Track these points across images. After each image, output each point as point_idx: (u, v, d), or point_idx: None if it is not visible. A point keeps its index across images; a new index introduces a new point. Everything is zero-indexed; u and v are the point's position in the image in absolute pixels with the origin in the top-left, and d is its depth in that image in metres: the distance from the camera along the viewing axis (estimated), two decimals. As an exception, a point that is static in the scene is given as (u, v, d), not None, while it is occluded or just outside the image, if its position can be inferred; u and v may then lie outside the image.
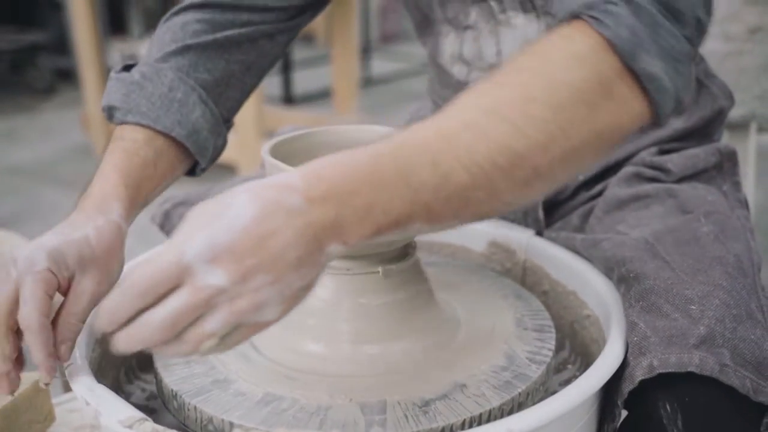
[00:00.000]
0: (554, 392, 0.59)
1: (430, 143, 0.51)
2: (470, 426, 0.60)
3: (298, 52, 4.12)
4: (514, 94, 0.53)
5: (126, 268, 0.70)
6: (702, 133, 0.91)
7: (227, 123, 0.85)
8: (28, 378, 0.69)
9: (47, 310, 0.60)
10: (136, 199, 0.72)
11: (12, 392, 0.63)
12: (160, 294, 0.47)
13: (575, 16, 0.55)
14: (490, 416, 0.61)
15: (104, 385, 0.61)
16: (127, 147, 0.74)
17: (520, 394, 0.63)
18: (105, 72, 3.24)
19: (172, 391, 0.63)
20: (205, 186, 1.03)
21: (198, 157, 0.79)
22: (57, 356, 0.62)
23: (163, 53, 0.79)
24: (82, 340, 0.67)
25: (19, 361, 0.63)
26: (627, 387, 0.61)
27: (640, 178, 0.85)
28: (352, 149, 0.51)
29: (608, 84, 0.54)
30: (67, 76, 4.51)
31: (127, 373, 0.79)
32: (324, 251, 0.49)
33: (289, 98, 4.02)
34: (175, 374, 0.65)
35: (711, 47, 1.11)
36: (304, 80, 4.17)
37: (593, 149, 0.55)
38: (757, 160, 1.30)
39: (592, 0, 0.55)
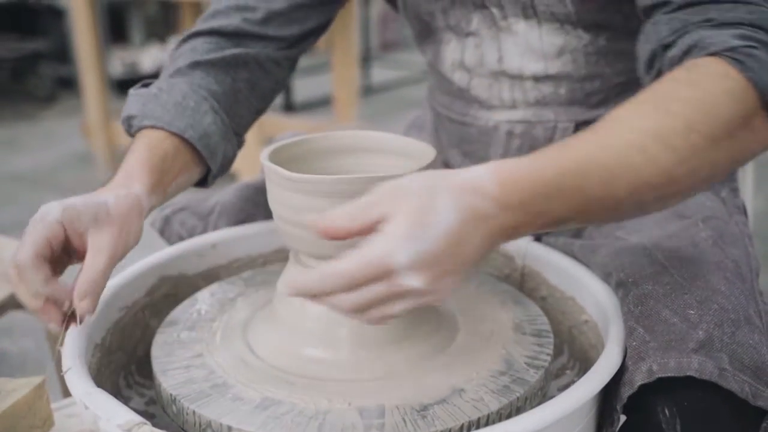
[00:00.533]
0: (553, 397, 0.59)
1: (606, 163, 0.57)
2: (468, 430, 0.60)
3: (299, 60, 4.11)
4: (678, 123, 0.58)
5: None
6: None
7: (237, 136, 0.88)
8: (26, 383, 0.69)
9: (44, 252, 0.65)
10: (157, 185, 0.76)
11: (59, 326, 0.67)
12: (358, 285, 0.52)
13: (713, 54, 0.61)
14: (489, 421, 0.61)
15: (103, 390, 0.61)
16: (148, 142, 0.78)
17: (518, 398, 0.63)
18: (105, 80, 3.25)
19: (170, 395, 0.63)
20: (206, 193, 1.03)
21: (209, 161, 0.83)
22: (80, 310, 0.66)
23: (176, 69, 0.85)
24: (81, 345, 0.67)
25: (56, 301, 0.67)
26: (626, 392, 0.61)
27: None
28: (537, 155, 0.56)
29: (749, 118, 0.60)
30: (68, 84, 4.52)
31: (126, 378, 0.79)
32: (496, 247, 0.58)
33: (289, 106, 4.03)
34: (174, 379, 0.65)
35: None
36: (304, 88, 4.18)
37: (727, 172, 0.63)
38: (757, 167, 1.30)
39: (733, 43, 0.60)
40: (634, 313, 0.67)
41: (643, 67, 0.70)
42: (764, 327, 0.67)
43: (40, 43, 4.63)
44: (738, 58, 0.60)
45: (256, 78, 0.89)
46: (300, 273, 0.55)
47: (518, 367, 0.67)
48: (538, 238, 0.91)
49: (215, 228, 0.93)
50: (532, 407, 0.63)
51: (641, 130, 0.58)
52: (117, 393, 0.76)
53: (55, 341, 0.70)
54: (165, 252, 0.86)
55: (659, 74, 0.67)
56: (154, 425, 0.56)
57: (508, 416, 0.62)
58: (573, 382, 0.73)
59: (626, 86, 0.87)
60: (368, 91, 4.80)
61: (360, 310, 0.54)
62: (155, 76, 0.88)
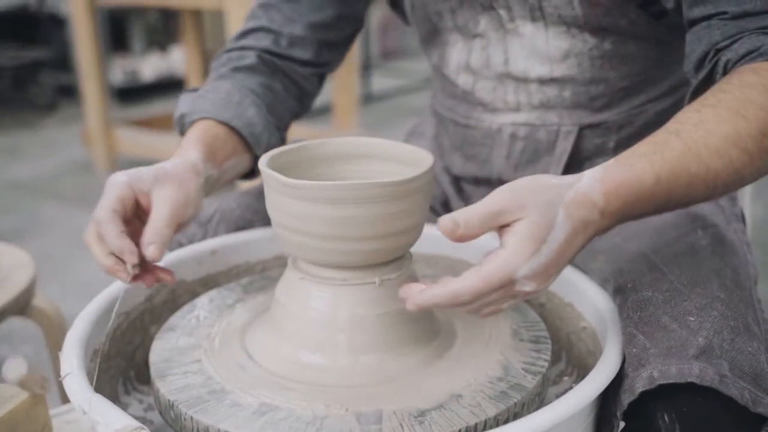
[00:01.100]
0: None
1: (689, 167, 0.62)
2: (466, 436, 0.60)
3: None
4: (753, 128, 0.63)
5: None
6: None
7: (279, 131, 0.94)
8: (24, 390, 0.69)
9: (118, 207, 0.70)
10: (211, 156, 0.82)
11: (127, 280, 0.70)
12: (481, 297, 0.58)
13: None
14: (486, 426, 0.61)
15: (101, 395, 0.61)
16: (200, 127, 0.85)
17: (515, 404, 0.63)
18: (106, 88, 3.26)
19: (168, 401, 0.64)
20: (205, 201, 1.03)
21: (254, 148, 0.89)
22: (146, 256, 0.70)
23: (219, 75, 0.93)
24: (79, 352, 0.67)
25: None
26: (627, 398, 0.61)
27: None
28: (637, 157, 0.61)
29: None
30: (69, 93, 4.53)
31: (124, 384, 0.79)
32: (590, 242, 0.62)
33: (289, 114, 4.03)
34: (172, 384, 0.65)
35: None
36: (304, 96, 4.18)
37: None
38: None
39: None
40: (633, 319, 0.67)
41: (693, 66, 0.73)
42: (762, 335, 0.67)
43: (41, 52, 4.65)
44: None
45: (288, 84, 0.96)
46: (422, 288, 0.58)
47: (516, 373, 0.67)
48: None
49: (215, 235, 0.93)
50: (529, 413, 0.63)
51: (721, 135, 0.62)
52: (116, 399, 0.76)
53: (54, 349, 0.70)
54: (164, 258, 0.85)
55: (712, 73, 0.70)
56: (153, 431, 0.56)
57: (506, 422, 0.62)
58: (571, 388, 0.73)
59: (630, 91, 0.88)
60: (368, 99, 4.82)
61: (474, 311, 0.60)
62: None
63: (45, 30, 4.77)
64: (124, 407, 0.75)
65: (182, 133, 0.89)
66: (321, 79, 1.02)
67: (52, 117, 4.44)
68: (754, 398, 0.60)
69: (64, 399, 0.99)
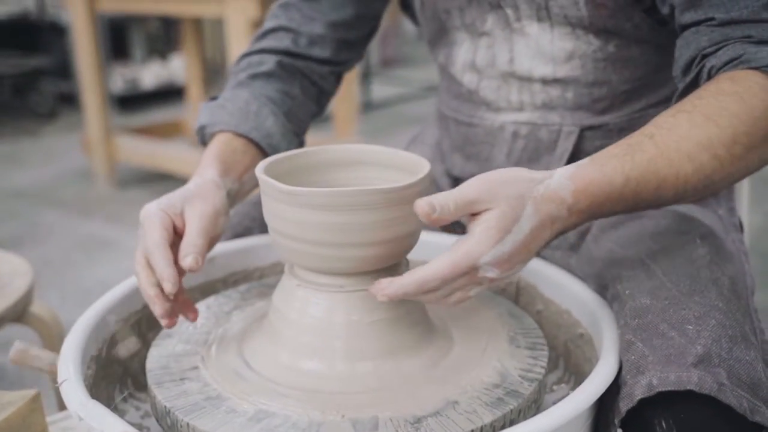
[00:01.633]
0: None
1: (660, 171, 0.64)
2: (462, 443, 0.60)
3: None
4: (725, 135, 0.65)
5: None
6: None
7: (297, 137, 0.96)
8: (21, 396, 0.69)
9: (164, 234, 0.72)
10: (229, 171, 0.84)
11: (170, 325, 0.71)
12: (448, 282, 0.61)
13: (754, 68, 0.68)
14: (482, 433, 0.61)
15: (98, 402, 0.61)
16: (220, 140, 0.88)
17: (512, 411, 0.63)
18: (106, 96, 3.26)
19: (165, 407, 0.64)
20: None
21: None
22: (181, 269, 0.71)
23: (237, 83, 0.94)
24: (77, 358, 0.68)
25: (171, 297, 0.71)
26: (625, 405, 0.61)
27: None
28: (608, 158, 0.64)
29: None
30: (69, 100, 4.54)
31: (122, 391, 0.79)
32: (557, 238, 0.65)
33: (289, 122, 4.04)
34: (168, 391, 0.65)
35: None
36: (304, 104, 4.19)
37: (755, 170, 0.69)
38: (757, 183, 1.30)
39: None
40: (631, 326, 0.67)
41: (680, 70, 0.75)
42: (759, 345, 0.67)
43: (42, 60, 4.66)
44: None
45: (306, 86, 0.98)
46: (389, 280, 0.61)
47: (512, 379, 0.67)
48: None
49: (213, 242, 0.93)
50: (525, 420, 0.63)
51: (693, 140, 0.65)
52: (112, 406, 0.76)
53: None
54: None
55: (696, 78, 0.73)
56: (148, 437, 0.56)
57: (502, 429, 0.62)
58: (568, 395, 0.73)
59: (631, 95, 0.88)
60: (368, 107, 4.83)
61: (442, 298, 0.63)
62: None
63: (45, 38, 4.78)
64: (121, 414, 0.75)
65: (203, 143, 0.91)
66: (339, 78, 1.04)
67: (53, 125, 4.45)
68: (751, 407, 0.60)
69: (62, 406, 0.99)
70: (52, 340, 1.19)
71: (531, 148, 0.90)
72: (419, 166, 0.69)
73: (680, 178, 0.65)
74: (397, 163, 0.74)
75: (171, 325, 0.71)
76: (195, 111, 3.46)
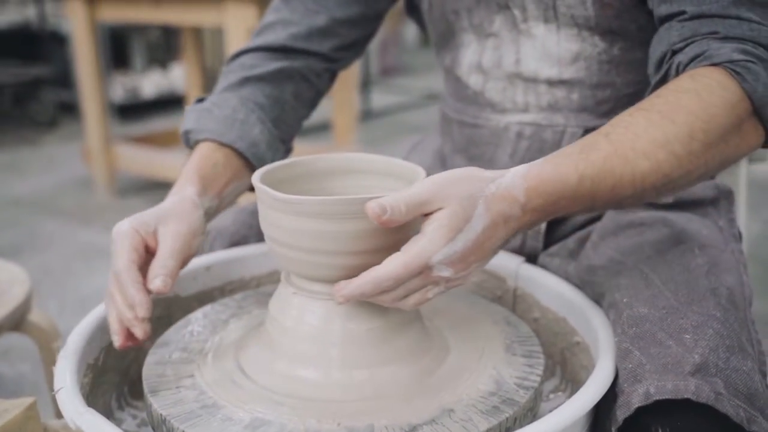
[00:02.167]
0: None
1: (615, 169, 0.64)
2: (457, 451, 0.60)
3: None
4: (681, 132, 0.65)
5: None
6: None
7: (285, 143, 0.96)
8: (18, 404, 0.69)
9: (133, 256, 0.71)
10: (208, 188, 0.83)
11: (138, 341, 0.70)
12: (402, 282, 0.61)
13: (715, 64, 0.68)
14: (478, 441, 0.61)
15: (94, 410, 0.61)
16: (202, 153, 0.87)
17: (507, 419, 0.63)
18: (106, 105, 3.27)
19: (161, 416, 0.64)
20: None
21: (258, 167, 0.87)
22: (150, 291, 0.69)
23: (228, 85, 0.93)
24: (72, 366, 0.68)
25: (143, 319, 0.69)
26: (623, 414, 0.61)
27: None
28: (561, 158, 0.64)
29: (740, 124, 0.67)
30: (70, 109, 4.55)
31: (118, 399, 0.79)
32: (514, 236, 0.65)
33: (289, 131, 4.05)
34: (164, 399, 0.65)
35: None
36: (304, 113, 4.20)
37: (716, 171, 0.70)
38: (757, 192, 1.31)
39: (734, 56, 0.68)
40: (628, 334, 0.67)
41: (653, 67, 0.75)
42: (755, 355, 0.67)
43: (42, 69, 4.67)
44: (737, 70, 0.67)
45: (300, 90, 0.97)
46: (346, 282, 0.61)
47: (508, 387, 0.67)
48: (531, 258, 0.91)
49: (210, 251, 0.94)
50: (521, 428, 0.63)
51: (649, 138, 0.65)
52: (109, 414, 0.76)
53: (50, 364, 0.71)
54: (159, 274, 0.86)
55: (666, 75, 0.73)
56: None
57: (498, 436, 0.62)
58: (564, 403, 0.73)
59: (634, 98, 0.89)
60: (368, 115, 4.84)
61: (399, 299, 0.63)
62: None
63: (46, 47, 4.80)
64: (117, 422, 0.75)
65: (188, 146, 0.91)
66: (333, 77, 1.03)
67: (53, 134, 4.46)
68: (748, 417, 0.60)
69: (59, 414, 0.99)
70: (50, 349, 1.19)
71: (535, 149, 0.91)
72: (415, 173, 0.70)
73: (637, 176, 0.64)
74: (393, 172, 0.74)
75: (125, 347, 0.69)
76: (195, 120, 3.46)
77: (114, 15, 3.09)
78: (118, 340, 0.69)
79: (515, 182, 0.62)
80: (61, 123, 4.63)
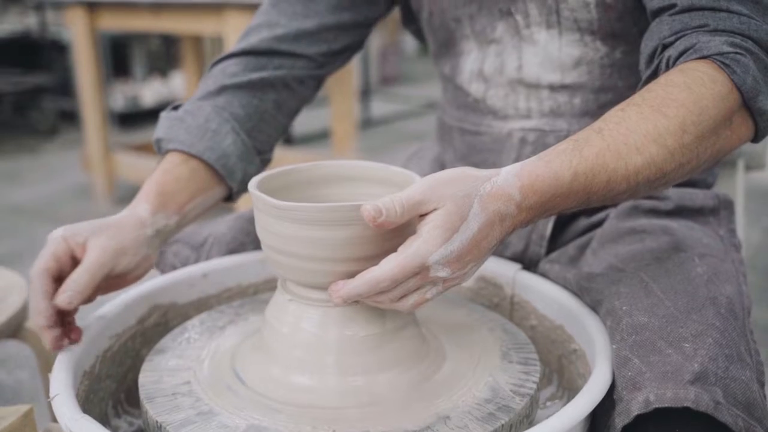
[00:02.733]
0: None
1: (608, 164, 0.64)
2: (453, 458, 0.60)
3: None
4: (673, 125, 0.65)
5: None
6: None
7: (262, 154, 0.94)
8: (14, 411, 0.69)
9: (49, 264, 0.71)
10: (166, 205, 0.83)
11: (55, 349, 0.70)
12: (399, 283, 0.61)
13: (705, 57, 0.69)
14: (473, 448, 0.61)
15: (90, 417, 0.61)
16: (166, 167, 0.86)
17: (503, 426, 0.63)
18: (106, 113, 3.28)
19: (156, 422, 0.64)
20: (199, 224, 1.04)
21: (227, 179, 0.90)
22: (57, 305, 0.70)
23: (205, 93, 0.92)
24: (69, 373, 0.68)
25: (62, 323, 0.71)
26: (621, 421, 0.61)
27: (638, 210, 0.87)
28: (555, 156, 0.64)
29: (730, 116, 0.68)
30: (70, 118, 4.56)
31: (115, 406, 0.79)
32: (509, 235, 0.65)
33: (288, 139, 4.06)
34: (160, 406, 0.65)
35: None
36: (303, 121, 4.20)
37: (709, 164, 0.70)
38: (757, 200, 1.31)
39: (723, 49, 0.68)
40: (627, 342, 0.67)
41: (644, 61, 0.76)
42: (754, 365, 0.67)
43: (43, 77, 4.69)
44: (726, 62, 0.68)
45: (282, 98, 0.96)
46: (343, 282, 0.62)
47: (504, 394, 0.67)
48: (533, 263, 0.91)
49: (208, 258, 0.94)
50: (517, 435, 0.63)
51: (641, 132, 0.65)
52: (105, 421, 0.76)
53: (47, 371, 0.71)
54: (156, 281, 0.86)
55: (656, 69, 0.74)
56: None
57: (493, 444, 0.62)
58: (561, 409, 0.73)
59: None
60: (368, 124, 4.85)
61: (398, 300, 0.63)
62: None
63: (47, 56, 4.81)
64: (114, 430, 0.75)
65: (160, 154, 0.90)
66: (318, 85, 1.02)
67: (53, 142, 4.46)
68: (747, 426, 0.60)
69: (56, 421, 0.99)
70: (47, 356, 1.19)
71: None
72: (408, 180, 0.70)
73: (630, 170, 0.65)
74: (390, 179, 0.75)
75: (56, 348, 0.70)
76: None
77: (114, 24, 3.10)
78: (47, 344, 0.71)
79: (510, 180, 0.62)
80: (62, 131, 4.64)
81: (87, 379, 0.73)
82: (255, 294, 0.92)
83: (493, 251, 0.65)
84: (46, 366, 1.19)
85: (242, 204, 2.63)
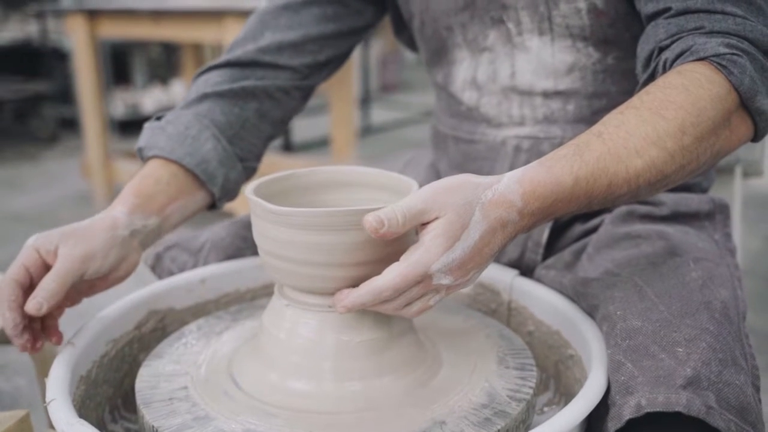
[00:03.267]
0: (535, 430, 0.59)
1: (609, 167, 0.65)
2: (449, 463, 0.60)
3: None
4: (672, 127, 0.66)
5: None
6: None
7: (244, 162, 0.94)
8: (11, 416, 0.69)
9: (19, 273, 0.72)
10: (144, 206, 0.83)
11: (31, 352, 0.74)
12: (402, 292, 0.61)
13: (702, 59, 0.69)
14: (469, 453, 0.61)
15: (86, 422, 0.61)
16: (145, 172, 0.87)
17: (499, 431, 0.63)
18: (106, 121, 3.29)
19: (153, 427, 0.63)
20: (197, 230, 1.04)
21: (208, 184, 0.89)
22: (24, 313, 0.72)
23: (186, 102, 0.93)
24: (65, 378, 0.68)
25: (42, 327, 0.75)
26: (614, 426, 0.61)
27: (633, 216, 0.87)
28: (556, 160, 0.64)
29: (729, 117, 0.69)
30: (70, 125, 4.57)
31: (112, 412, 0.79)
32: (512, 241, 0.66)
33: (288, 146, 4.07)
34: (157, 411, 0.65)
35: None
36: (303, 129, 4.22)
37: (710, 165, 0.70)
38: (757, 207, 1.31)
39: (720, 50, 0.69)
40: (621, 347, 0.67)
41: (641, 65, 0.76)
42: (749, 369, 0.67)
43: (44, 85, 4.70)
44: (723, 63, 0.68)
45: (265, 108, 0.96)
46: (348, 291, 0.62)
47: (500, 399, 0.67)
48: (529, 270, 0.91)
49: (205, 263, 0.94)
50: (513, 440, 0.63)
51: (641, 135, 0.65)
52: (102, 426, 0.76)
53: (45, 378, 0.71)
54: (154, 286, 0.86)
55: (654, 72, 0.74)
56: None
57: (489, 449, 0.62)
58: (555, 414, 0.73)
59: None
60: (368, 131, 4.85)
61: (401, 308, 0.63)
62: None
63: (48, 64, 4.83)
64: (110, 435, 0.75)
65: (142, 159, 0.90)
66: (305, 96, 1.01)
67: (53, 149, 4.47)
68: (739, 431, 0.60)
69: (52, 427, 0.99)
70: (45, 362, 1.18)
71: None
72: (409, 187, 0.70)
73: (631, 173, 0.65)
74: (387, 185, 0.75)
75: (30, 351, 0.73)
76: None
77: (115, 32, 3.11)
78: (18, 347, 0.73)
79: (511, 187, 0.62)
80: (62, 138, 4.64)
81: (84, 384, 0.73)
82: (253, 299, 0.92)
83: (495, 256, 0.65)
84: (43, 372, 1.19)
85: (240, 209, 2.64)
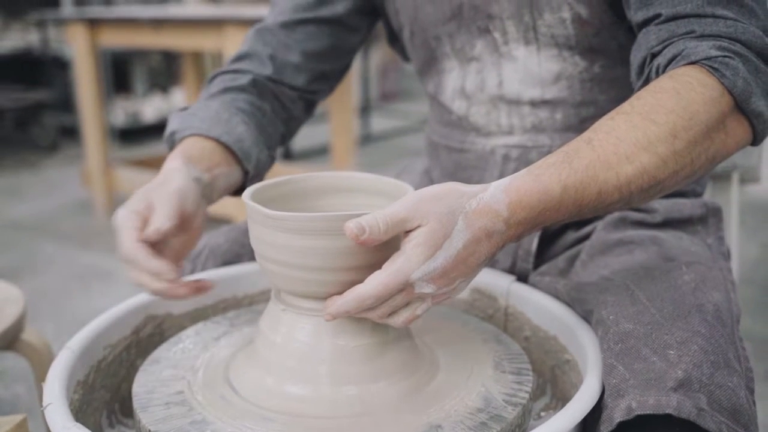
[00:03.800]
0: (530, 434, 0.59)
1: (599, 175, 0.64)
2: (444, 467, 0.60)
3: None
4: (663, 132, 0.65)
5: None
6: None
7: (269, 149, 0.95)
8: (9, 421, 0.69)
9: (135, 234, 0.72)
10: (195, 160, 0.83)
11: (186, 295, 0.74)
12: (384, 299, 0.61)
13: (694, 63, 0.68)
14: (465, 457, 0.61)
15: (83, 426, 0.61)
16: (189, 141, 0.87)
17: (495, 435, 0.63)
18: (106, 129, 3.29)
19: (149, 432, 0.64)
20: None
21: (244, 162, 0.90)
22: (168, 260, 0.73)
23: (209, 95, 0.95)
24: (62, 382, 0.68)
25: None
26: (605, 429, 0.61)
27: (625, 222, 0.87)
28: (544, 169, 0.63)
29: (723, 120, 0.68)
30: (71, 133, 4.58)
31: (109, 417, 0.79)
32: (501, 250, 0.65)
33: (288, 154, 4.07)
34: (154, 416, 0.65)
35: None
36: (303, 137, 4.21)
37: (705, 170, 0.69)
38: (756, 214, 1.31)
39: (711, 53, 0.68)
40: (613, 350, 0.67)
41: (635, 73, 0.76)
42: (743, 372, 0.67)
43: (44, 93, 4.71)
44: (715, 66, 0.68)
45: (277, 107, 0.98)
46: (333, 298, 0.63)
47: (496, 404, 0.67)
48: (521, 278, 0.91)
49: (203, 269, 0.94)
50: (508, 444, 0.63)
51: (631, 141, 0.65)
52: (99, 431, 0.76)
53: (42, 383, 0.71)
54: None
55: (647, 79, 0.74)
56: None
57: (485, 453, 0.62)
58: (550, 419, 0.73)
59: None
60: (367, 139, 4.86)
61: (387, 316, 0.63)
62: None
63: (48, 72, 4.84)
64: (107, 440, 0.75)
65: (171, 147, 0.90)
66: (309, 106, 1.04)
67: (54, 157, 4.48)
68: None
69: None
70: (43, 368, 1.19)
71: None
72: (405, 192, 0.70)
73: (622, 180, 0.64)
74: (383, 190, 0.75)
75: (198, 291, 0.74)
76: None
77: (115, 40, 3.12)
78: (185, 294, 0.74)
79: (497, 197, 0.62)
80: (62, 147, 4.65)
81: (81, 389, 0.73)
82: (250, 305, 0.92)
83: (485, 265, 0.65)
84: (42, 378, 1.19)
85: (237, 216, 2.64)
